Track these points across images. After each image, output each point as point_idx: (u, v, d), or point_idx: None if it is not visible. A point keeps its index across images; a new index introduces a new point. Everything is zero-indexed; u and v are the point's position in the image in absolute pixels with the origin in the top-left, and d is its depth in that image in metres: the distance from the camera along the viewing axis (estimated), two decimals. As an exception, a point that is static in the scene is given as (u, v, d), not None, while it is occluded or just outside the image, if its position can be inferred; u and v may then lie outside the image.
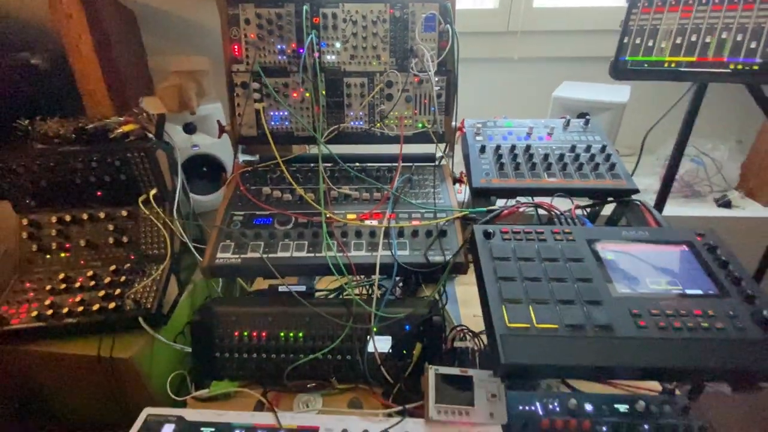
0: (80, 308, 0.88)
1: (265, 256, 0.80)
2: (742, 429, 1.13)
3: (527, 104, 1.37)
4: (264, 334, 0.82)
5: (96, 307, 0.89)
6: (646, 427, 0.70)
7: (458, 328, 0.84)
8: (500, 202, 0.92)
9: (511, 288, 0.66)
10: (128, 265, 0.97)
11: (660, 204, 1.06)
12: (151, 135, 1.02)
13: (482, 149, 0.99)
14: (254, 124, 0.97)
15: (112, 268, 0.95)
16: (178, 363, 0.92)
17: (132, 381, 0.87)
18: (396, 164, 0.96)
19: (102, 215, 1.00)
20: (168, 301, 0.98)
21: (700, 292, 0.66)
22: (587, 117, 1.06)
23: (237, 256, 0.81)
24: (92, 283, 0.93)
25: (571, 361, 0.59)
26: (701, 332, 0.60)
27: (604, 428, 0.70)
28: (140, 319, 0.88)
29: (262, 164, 0.99)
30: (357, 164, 1.00)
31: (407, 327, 0.80)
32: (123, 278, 0.94)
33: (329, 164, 0.99)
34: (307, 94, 0.95)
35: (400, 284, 1.03)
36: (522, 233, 0.76)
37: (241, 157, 1.06)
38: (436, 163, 1.02)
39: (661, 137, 1.28)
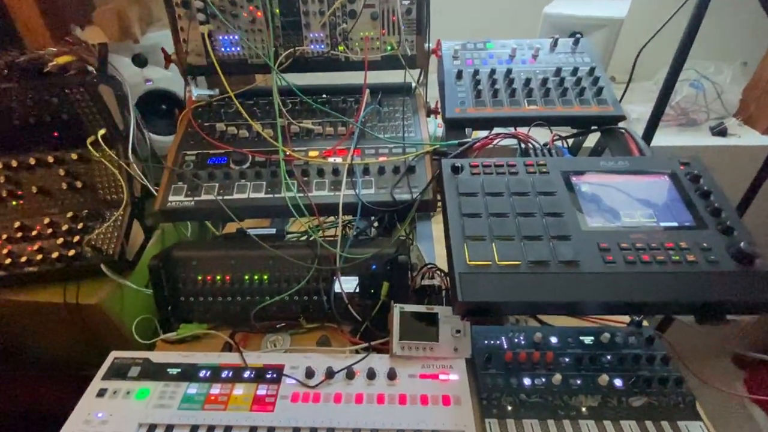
0: (39, 256, 0.86)
1: (219, 197, 0.75)
2: (706, 357, 1.17)
3: (515, 23, 1.24)
4: (228, 277, 0.80)
5: (55, 255, 0.86)
6: (608, 357, 0.70)
7: (427, 266, 0.82)
8: (482, 134, 0.85)
9: (475, 225, 0.62)
10: (86, 211, 0.92)
11: (649, 132, 0.99)
12: (91, 68, 0.92)
13: (459, 75, 0.89)
14: (202, 52, 0.87)
15: (69, 214, 0.91)
16: (151, 307, 0.92)
17: (102, 325, 0.87)
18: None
19: (51, 159, 0.93)
20: (133, 246, 0.95)
21: (675, 224, 0.63)
22: (578, 36, 0.94)
23: (190, 198, 0.76)
24: (50, 230, 0.89)
25: (532, 298, 0.56)
26: (670, 266, 0.57)
27: (567, 359, 0.70)
28: (102, 266, 0.86)
29: (217, 98, 0.90)
30: (320, 96, 0.91)
31: (374, 267, 0.78)
32: (81, 225, 0.90)
33: (289, 96, 0.90)
34: (259, 13, 0.84)
35: (375, 224, 1.00)
36: (492, 167, 0.70)
37: (197, 92, 0.97)
38: (410, 92, 0.92)
39: (660, 59, 1.17)
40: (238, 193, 0.76)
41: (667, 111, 1.36)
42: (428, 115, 0.93)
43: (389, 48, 0.87)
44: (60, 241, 0.87)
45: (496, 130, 0.83)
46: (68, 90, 0.87)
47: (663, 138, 1.18)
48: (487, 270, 0.58)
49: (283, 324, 0.81)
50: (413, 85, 0.92)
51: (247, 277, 0.79)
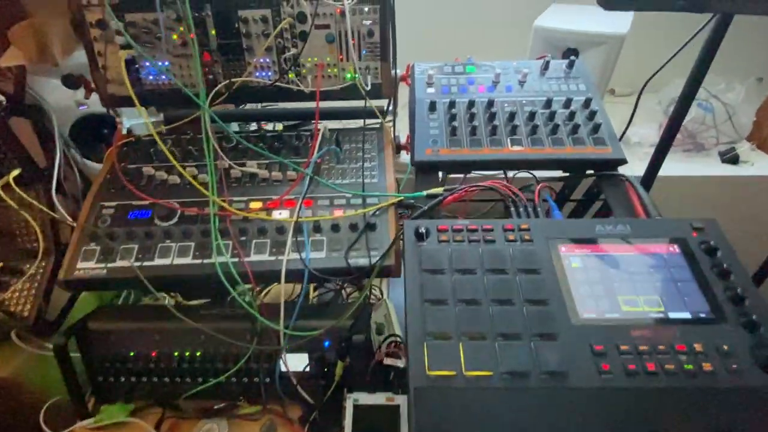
0: (-62, 322, 0.73)
1: (137, 264, 0.62)
2: None
3: (503, 36, 1.10)
4: (154, 353, 0.67)
5: (-42, 319, 0.73)
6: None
7: (391, 341, 0.70)
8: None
9: (439, 316, 0.50)
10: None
11: (655, 168, 0.86)
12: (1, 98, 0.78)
13: (432, 107, 0.76)
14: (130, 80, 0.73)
15: (-22, 269, 0.78)
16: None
17: (14, 403, 0.74)
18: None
19: (-44, 204, 0.79)
20: (58, 303, 0.82)
21: (687, 315, 0.50)
22: (572, 58, 0.81)
23: (102, 265, 0.63)
24: (-47, 289, 0.76)
25: (506, 421, 0.44)
26: (682, 378, 0.45)
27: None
28: (13, 334, 0.73)
29: (147, 135, 0.77)
30: (271, 130, 0.78)
31: (326, 343, 0.66)
32: (-8, 281, 0.77)
33: (234, 131, 0.77)
34: (192, 35, 0.70)
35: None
36: (465, 231, 0.57)
37: (129, 122, 0.84)
38: (372, 125, 0.79)
39: (666, 73, 1.03)
40: (161, 257, 0.63)
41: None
42: (398, 152, 0.80)
43: (348, 76, 0.73)
44: (-35, 301, 0.74)
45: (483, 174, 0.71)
46: (-32, 125, 0.74)
47: (666, 165, 1.05)
48: (450, 383, 0.46)
49: (222, 405, 0.69)
50: (374, 114, 0.79)
51: (176, 354, 0.67)
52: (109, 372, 0.68)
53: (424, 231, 0.57)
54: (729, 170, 1.06)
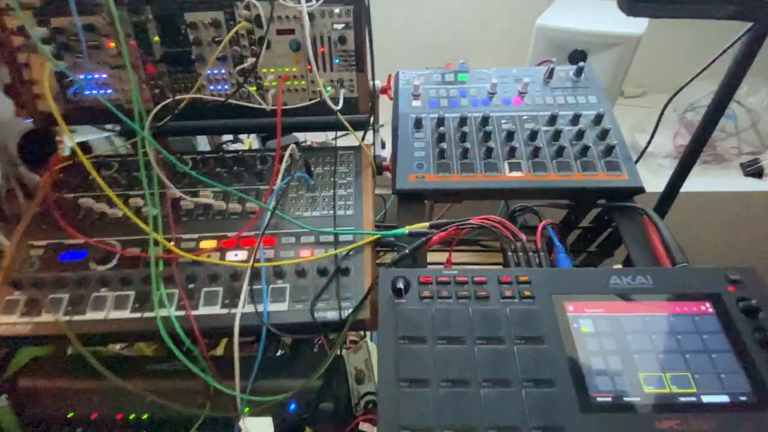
0: None
1: (66, 318, 0.53)
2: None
3: (500, 37, 0.98)
4: (94, 415, 0.58)
5: None
6: None
7: (370, 399, 0.60)
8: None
9: (417, 403, 0.40)
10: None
11: (673, 189, 0.76)
12: None
13: (417, 124, 0.66)
14: (59, 94, 0.62)
15: None
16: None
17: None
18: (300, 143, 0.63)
19: None
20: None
21: (725, 399, 0.41)
22: (581, 65, 0.70)
23: (26, 319, 0.53)
24: None
25: None
26: (722, 492, 0.36)
27: None
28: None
29: (91, 156, 0.67)
30: (228, 150, 0.67)
31: (292, 407, 0.56)
32: None
33: (192, 154, 0.67)
34: (133, 41, 0.59)
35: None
36: (452, 284, 0.48)
37: (81, 138, 0.73)
38: (348, 148, 0.69)
39: (682, 72, 0.91)
40: (94, 310, 0.53)
41: (685, 143, 1.13)
42: (379, 173, 0.70)
43: (318, 89, 0.63)
44: None
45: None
46: None
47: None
48: (428, 496, 0.36)
49: (176, 472, 0.60)
50: (347, 135, 0.68)
51: (120, 417, 0.58)
52: (43, 437, 0.59)
53: (402, 285, 0.47)
54: (753, 185, 0.96)
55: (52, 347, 0.76)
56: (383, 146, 0.84)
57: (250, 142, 0.86)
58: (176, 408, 0.54)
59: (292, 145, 0.64)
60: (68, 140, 0.59)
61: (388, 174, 0.83)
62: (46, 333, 0.53)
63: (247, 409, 0.55)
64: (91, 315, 0.53)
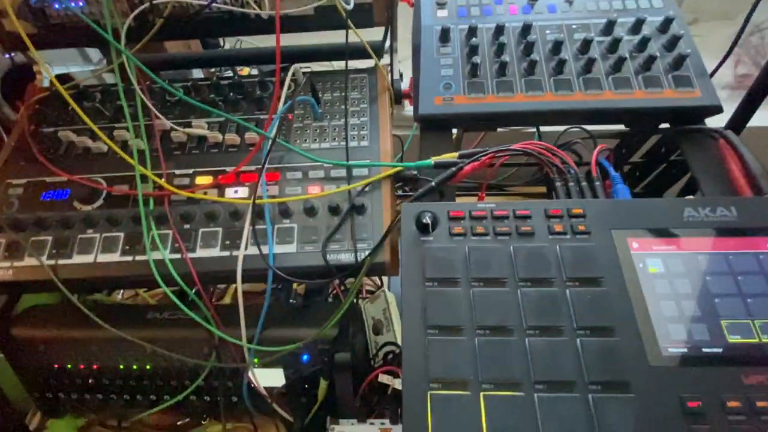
0: None
1: (51, 262, 0.47)
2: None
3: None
4: (95, 366, 0.54)
5: None
6: None
7: (389, 350, 0.55)
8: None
9: (450, 354, 0.34)
10: None
11: (742, 120, 0.64)
12: None
13: (444, 36, 0.55)
14: (23, 8, 0.53)
15: None
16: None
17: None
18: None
19: None
20: None
21: (831, 350, 0.33)
22: (645, -42, 0.57)
23: (8, 264, 0.48)
24: None
25: None
26: (830, 458, 0.29)
27: None
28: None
29: (70, 85, 0.59)
30: (228, 75, 0.58)
31: (305, 357, 0.51)
32: None
33: (183, 82, 0.58)
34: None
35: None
36: (489, 219, 0.40)
37: (62, 70, 0.65)
38: (360, 71, 0.59)
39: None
40: (81, 253, 0.48)
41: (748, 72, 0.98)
42: (398, 101, 0.60)
43: (325, -7, 0.52)
44: None
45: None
46: None
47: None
48: (465, 458, 0.31)
49: (185, 421, 0.58)
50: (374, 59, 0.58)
51: (122, 367, 0.54)
52: (45, 386, 0.56)
53: (429, 220, 0.39)
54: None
55: (58, 296, 0.72)
56: (401, 77, 0.73)
57: (247, 71, 0.77)
58: (180, 359, 0.49)
59: (295, 66, 0.54)
60: (42, 68, 0.51)
61: (404, 110, 0.74)
62: (29, 278, 0.47)
63: (257, 359, 0.51)
64: (78, 259, 0.47)
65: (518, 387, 0.32)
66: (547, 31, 0.54)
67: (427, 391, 0.33)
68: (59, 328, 0.55)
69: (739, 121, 0.64)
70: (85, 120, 0.48)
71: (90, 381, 0.54)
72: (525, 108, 0.49)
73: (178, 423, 0.58)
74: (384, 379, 0.51)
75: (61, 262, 0.47)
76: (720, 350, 0.33)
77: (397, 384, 0.50)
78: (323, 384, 0.51)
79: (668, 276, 0.36)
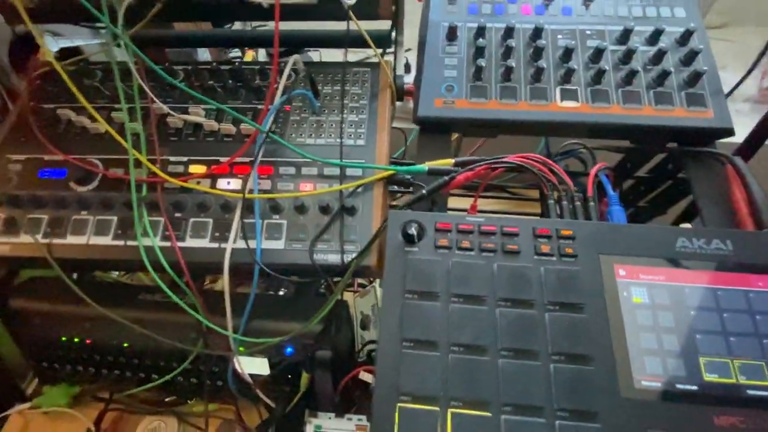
0: None
1: (46, 241, 0.48)
2: None
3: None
4: (88, 341, 0.56)
5: None
6: None
7: (372, 348, 0.56)
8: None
9: (422, 368, 0.34)
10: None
11: (759, 137, 0.61)
12: None
13: (450, 35, 0.53)
14: (25, -18, 0.52)
15: None
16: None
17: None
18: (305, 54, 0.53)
19: None
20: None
21: (809, 397, 0.33)
22: (671, -38, 0.54)
23: (5, 239, 0.49)
24: None
25: None
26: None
27: None
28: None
29: (71, 62, 0.58)
30: (228, 62, 0.57)
31: (289, 351, 0.52)
32: None
33: (184, 65, 0.57)
34: None
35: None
36: (476, 234, 0.39)
37: (61, 42, 0.65)
38: (363, 64, 0.57)
39: None
40: (75, 234, 0.49)
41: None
42: (399, 99, 0.59)
43: (329, -17, 0.50)
44: None
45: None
46: None
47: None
48: (426, 473, 0.32)
49: (172, 398, 0.60)
50: (379, 52, 0.56)
51: (114, 344, 0.56)
52: (41, 356, 0.58)
53: (415, 231, 0.39)
54: None
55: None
56: (407, 69, 0.72)
57: (251, 56, 0.75)
58: (166, 342, 0.50)
59: (296, 56, 0.53)
60: (39, 42, 0.50)
61: (410, 104, 0.72)
62: (24, 254, 0.48)
63: (242, 348, 0.52)
64: (71, 239, 0.48)
65: (486, 407, 0.33)
66: (559, 36, 0.52)
67: (397, 404, 0.33)
68: (54, 302, 0.57)
69: (756, 139, 0.62)
70: (80, 99, 0.48)
71: (83, 355, 0.56)
72: (527, 117, 0.48)
73: (166, 399, 0.60)
74: (365, 377, 0.52)
75: (55, 241, 0.48)
76: (695, 388, 0.33)
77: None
78: (305, 377, 0.52)
79: (652, 307, 0.36)
